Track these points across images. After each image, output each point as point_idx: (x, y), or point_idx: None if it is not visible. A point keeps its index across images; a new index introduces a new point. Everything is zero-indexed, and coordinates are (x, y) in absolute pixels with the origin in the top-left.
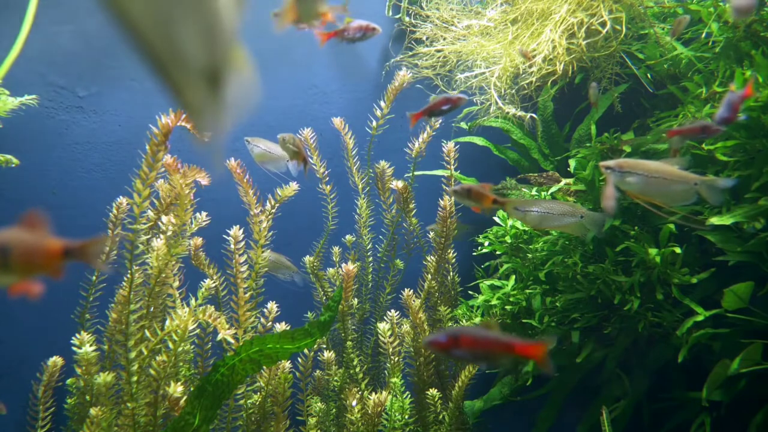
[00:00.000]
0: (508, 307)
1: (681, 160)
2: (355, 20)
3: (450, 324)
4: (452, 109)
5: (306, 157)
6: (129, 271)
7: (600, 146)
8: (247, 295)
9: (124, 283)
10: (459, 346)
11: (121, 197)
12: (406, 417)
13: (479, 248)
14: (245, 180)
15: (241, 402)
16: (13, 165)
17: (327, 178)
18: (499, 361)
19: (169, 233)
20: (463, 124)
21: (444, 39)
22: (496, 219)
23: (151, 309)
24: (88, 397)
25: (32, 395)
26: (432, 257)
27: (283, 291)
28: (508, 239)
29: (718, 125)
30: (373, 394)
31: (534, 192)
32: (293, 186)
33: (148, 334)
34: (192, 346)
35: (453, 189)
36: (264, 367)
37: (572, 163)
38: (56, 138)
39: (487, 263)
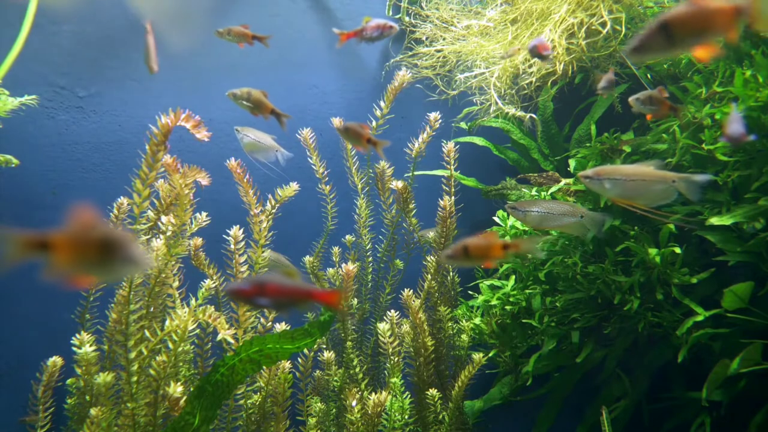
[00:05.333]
0: (508, 307)
1: (656, 162)
2: (373, 19)
3: (450, 324)
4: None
5: (275, 108)
6: None
7: (600, 146)
8: None
9: (124, 283)
10: (264, 293)
11: (121, 197)
12: (406, 417)
13: None
14: (245, 180)
15: (241, 402)
16: (13, 165)
17: (327, 178)
18: (300, 307)
19: (169, 233)
20: (463, 124)
21: (444, 39)
22: (496, 219)
23: (151, 309)
24: (88, 397)
25: (32, 395)
26: (432, 257)
27: None
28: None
29: (728, 141)
30: (373, 394)
31: (534, 192)
32: (293, 186)
33: (148, 334)
34: (192, 346)
35: (336, 126)
36: (264, 367)
37: (572, 163)
38: (56, 138)
39: None
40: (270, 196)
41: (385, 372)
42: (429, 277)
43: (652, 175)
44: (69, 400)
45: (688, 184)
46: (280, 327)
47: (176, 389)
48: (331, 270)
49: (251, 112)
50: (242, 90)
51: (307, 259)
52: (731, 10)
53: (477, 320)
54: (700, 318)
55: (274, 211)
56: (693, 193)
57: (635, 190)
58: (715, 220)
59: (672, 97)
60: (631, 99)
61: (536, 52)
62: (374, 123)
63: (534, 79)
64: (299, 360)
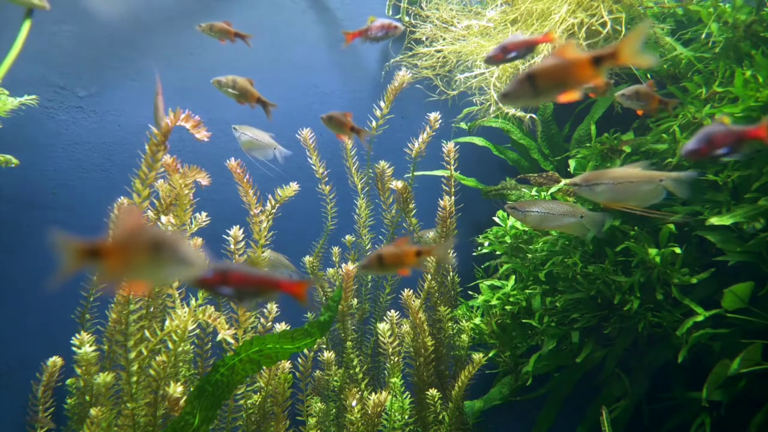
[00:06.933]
0: (508, 307)
1: (642, 162)
2: (377, 19)
3: (450, 324)
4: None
5: (261, 96)
6: None
7: (600, 146)
8: None
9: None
10: (227, 282)
11: (121, 197)
12: (406, 417)
13: (479, 248)
14: (245, 180)
15: (241, 402)
16: (13, 165)
17: (327, 178)
18: (265, 297)
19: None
20: (463, 125)
21: (444, 39)
22: (496, 219)
23: (151, 309)
24: (88, 397)
25: (32, 395)
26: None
27: None
28: (508, 239)
29: (685, 157)
30: (373, 394)
31: (534, 192)
32: (293, 186)
33: (147, 334)
34: (192, 347)
35: (321, 117)
36: (264, 367)
37: (572, 163)
38: (56, 138)
39: (487, 263)
40: (270, 196)
41: (385, 372)
42: (429, 277)
43: (640, 176)
44: (69, 400)
45: (676, 182)
46: (280, 327)
47: (176, 389)
48: (331, 270)
49: (237, 100)
50: (227, 78)
51: (307, 259)
52: (587, 60)
53: (477, 320)
54: (700, 318)
55: (274, 211)
56: (682, 191)
57: (624, 193)
58: (715, 220)
59: (672, 97)
60: (617, 95)
61: (498, 59)
62: (374, 123)
63: None
64: (299, 360)
